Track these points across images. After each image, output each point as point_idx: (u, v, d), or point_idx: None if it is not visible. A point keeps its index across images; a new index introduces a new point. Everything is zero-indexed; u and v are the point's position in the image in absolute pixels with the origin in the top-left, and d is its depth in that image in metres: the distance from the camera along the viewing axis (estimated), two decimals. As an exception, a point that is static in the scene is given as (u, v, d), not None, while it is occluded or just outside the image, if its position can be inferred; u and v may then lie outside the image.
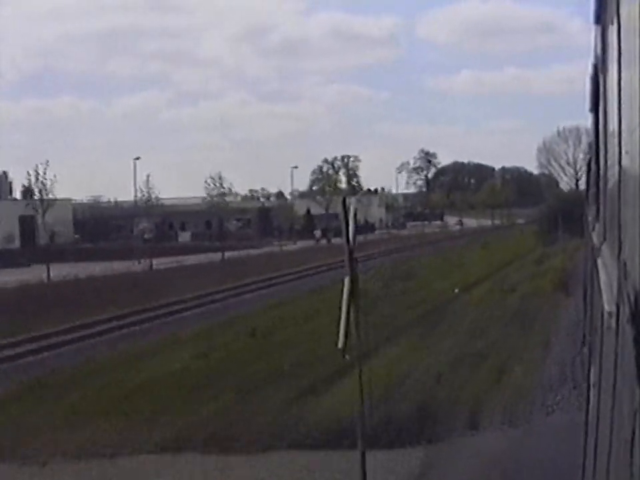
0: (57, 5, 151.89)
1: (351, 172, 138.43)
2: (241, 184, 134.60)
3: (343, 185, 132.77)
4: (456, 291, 28.91)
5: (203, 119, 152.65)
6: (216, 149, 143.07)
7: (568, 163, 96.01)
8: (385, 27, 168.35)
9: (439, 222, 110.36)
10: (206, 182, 72.18)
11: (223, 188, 72.57)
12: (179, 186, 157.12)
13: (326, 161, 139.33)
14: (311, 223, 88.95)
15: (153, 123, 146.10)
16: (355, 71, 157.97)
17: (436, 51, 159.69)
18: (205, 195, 76.15)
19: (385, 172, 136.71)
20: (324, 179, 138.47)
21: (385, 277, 34.07)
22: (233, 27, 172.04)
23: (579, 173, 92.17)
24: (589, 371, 5.99)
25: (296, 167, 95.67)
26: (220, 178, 71.97)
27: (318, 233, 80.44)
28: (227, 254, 55.20)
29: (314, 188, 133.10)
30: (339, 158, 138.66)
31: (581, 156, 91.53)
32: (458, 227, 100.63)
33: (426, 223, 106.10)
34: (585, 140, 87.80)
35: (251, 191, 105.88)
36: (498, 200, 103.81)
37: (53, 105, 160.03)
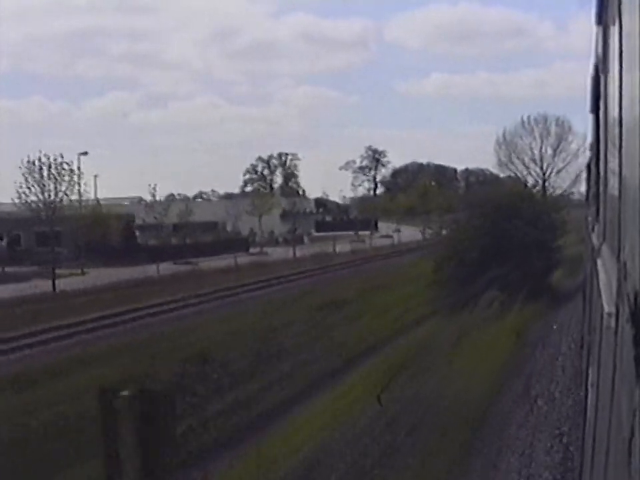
0: (24, 6, 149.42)
1: (288, 171, 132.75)
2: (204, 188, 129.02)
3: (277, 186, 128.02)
4: None
5: (172, 121, 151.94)
6: (185, 150, 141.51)
7: (533, 160, 75.41)
8: (355, 30, 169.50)
9: (367, 232, 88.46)
10: None
11: None
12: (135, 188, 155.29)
13: (261, 159, 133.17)
14: (130, 237, 63.43)
15: (120, 124, 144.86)
16: (325, 73, 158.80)
17: (406, 54, 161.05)
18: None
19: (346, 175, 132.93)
20: (258, 179, 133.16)
21: None
22: (202, 30, 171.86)
23: (547, 173, 74.49)
24: (587, 370, 6.02)
25: (85, 153, 58.14)
26: None
27: None
28: None
29: (247, 189, 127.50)
30: (275, 156, 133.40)
31: (550, 151, 74.22)
32: (371, 242, 77.14)
33: (350, 233, 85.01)
34: (555, 131, 74.16)
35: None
36: (430, 205, 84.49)
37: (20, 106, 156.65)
